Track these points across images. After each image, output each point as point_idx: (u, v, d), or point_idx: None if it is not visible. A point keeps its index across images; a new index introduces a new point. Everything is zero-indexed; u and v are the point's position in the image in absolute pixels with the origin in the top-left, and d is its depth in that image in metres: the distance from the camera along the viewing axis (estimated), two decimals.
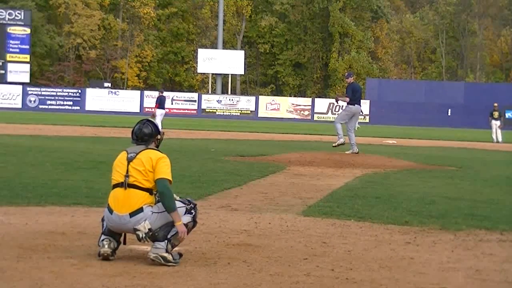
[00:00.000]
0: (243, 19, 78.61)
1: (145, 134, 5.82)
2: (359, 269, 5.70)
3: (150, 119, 6.05)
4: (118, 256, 5.74)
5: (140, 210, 5.58)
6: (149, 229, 5.52)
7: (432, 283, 5.33)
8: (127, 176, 5.63)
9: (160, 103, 28.39)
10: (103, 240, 5.66)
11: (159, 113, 28.17)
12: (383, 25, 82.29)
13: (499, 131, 33.19)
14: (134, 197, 5.60)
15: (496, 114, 33.72)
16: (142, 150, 5.74)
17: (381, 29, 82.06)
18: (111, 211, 5.64)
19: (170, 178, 5.68)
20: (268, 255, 6.09)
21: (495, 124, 33.43)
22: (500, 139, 32.79)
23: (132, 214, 5.56)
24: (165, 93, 59.46)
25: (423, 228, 7.65)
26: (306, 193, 10.41)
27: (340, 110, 17.80)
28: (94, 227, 6.98)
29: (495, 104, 34.32)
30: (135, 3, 72.73)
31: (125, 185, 5.62)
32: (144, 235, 5.51)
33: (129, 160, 5.69)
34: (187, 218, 5.74)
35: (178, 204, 5.73)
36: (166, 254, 5.53)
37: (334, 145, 17.06)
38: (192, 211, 5.80)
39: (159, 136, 5.94)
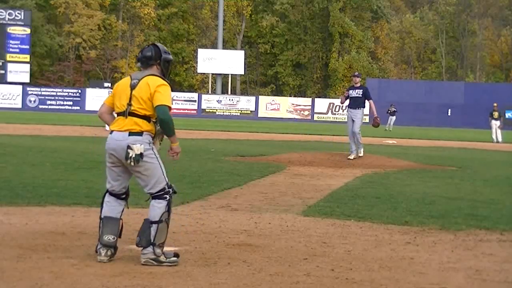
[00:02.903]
0: (243, 19, 78.59)
1: (145, 56, 5.73)
2: (359, 269, 5.70)
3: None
4: (118, 256, 5.73)
5: (140, 133, 5.54)
6: (140, 153, 5.47)
7: (432, 283, 5.33)
8: (129, 104, 5.59)
9: None
10: (100, 248, 5.61)
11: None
12: (383, 25, 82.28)
13: (499, 131, 33.24)
14: (134, 123, 5.55)
15: (496, 114, 33.78)
16: (144, 76, 5.65)
17: (381, 29, 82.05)
18: (112, 132, 5.61)
19: (169, 104, 5.59)
20: (268, 255, 6.09)
21: (495, 124, 33.49)
22: (500, 139, 32.83)
23: (131, 133, 5.52)
24: None
25: (423, 228, 7.65)
26: (306, 193, 10.41)
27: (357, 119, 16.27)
28: (94, 227, 6.97)
29: (495, 104, 34.38)
30: (136, 3, 72.74)
31: (126, 114, 5.59)
32: (134, 156, 5.46)
33: (132, 87, 5.63)
34: (160, 210, 5.56)
35: (163, 168, 5.63)
36: (155, 256, 5.51)
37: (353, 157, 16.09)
38: (167, 195, 5.61)
39: (160, 61, 5.72)
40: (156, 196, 5.62)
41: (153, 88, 5.56)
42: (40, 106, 55.61)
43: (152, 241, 5.52)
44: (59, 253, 5.84)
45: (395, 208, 8.97)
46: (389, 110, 44.34)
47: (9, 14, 58.87)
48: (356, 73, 17.34)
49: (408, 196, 10.21)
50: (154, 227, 5.54)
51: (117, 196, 5.75)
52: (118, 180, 5.71)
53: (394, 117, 44.69)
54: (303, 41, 77.57)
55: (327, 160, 15.74)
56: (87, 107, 55.70)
